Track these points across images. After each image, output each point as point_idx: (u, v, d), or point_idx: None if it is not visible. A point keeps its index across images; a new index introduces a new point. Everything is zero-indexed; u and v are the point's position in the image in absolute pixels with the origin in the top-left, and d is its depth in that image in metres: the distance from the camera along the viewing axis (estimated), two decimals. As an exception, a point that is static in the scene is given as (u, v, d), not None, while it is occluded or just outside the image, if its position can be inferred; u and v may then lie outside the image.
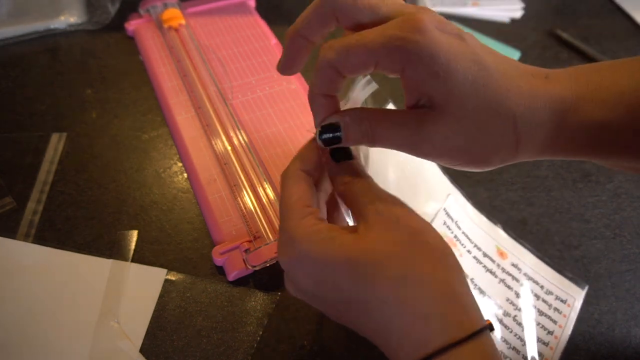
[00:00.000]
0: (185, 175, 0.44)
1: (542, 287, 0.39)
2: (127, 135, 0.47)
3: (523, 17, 0.64)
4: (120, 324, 0.35)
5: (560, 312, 0.38)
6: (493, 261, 0.40)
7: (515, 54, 0.57)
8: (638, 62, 0.24)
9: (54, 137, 0.46)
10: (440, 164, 0.31)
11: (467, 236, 0.41)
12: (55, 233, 0.40)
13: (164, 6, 0.56)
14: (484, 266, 0.39)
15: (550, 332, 0.37)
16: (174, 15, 0.54)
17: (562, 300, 0.39)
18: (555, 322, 0.38)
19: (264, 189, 0.41)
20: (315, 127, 0.26)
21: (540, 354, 0.36)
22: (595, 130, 0.23)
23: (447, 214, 0.41)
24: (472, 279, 0.38)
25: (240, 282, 0.38)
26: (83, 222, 0.41)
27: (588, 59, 0.58)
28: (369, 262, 0.22)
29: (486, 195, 0.45)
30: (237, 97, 0.49)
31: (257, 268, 0.37)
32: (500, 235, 0.42)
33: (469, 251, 0.40)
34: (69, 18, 0.56)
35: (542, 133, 0.24)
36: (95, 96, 0.50)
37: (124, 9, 0.59)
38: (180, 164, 0.45)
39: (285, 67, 0.27)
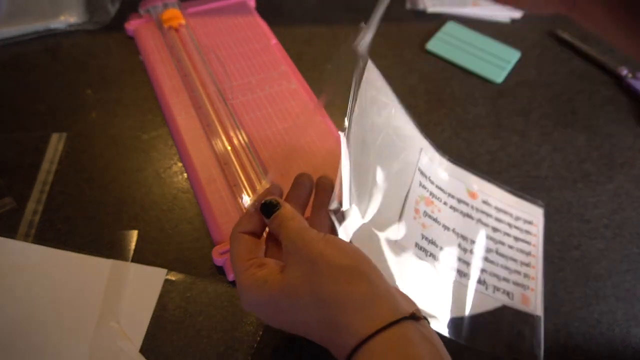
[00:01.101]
0: (185, 175, 0.44)
1: (511, 215, 0.43)
2: (127, 135, 0.47)
3: (523, 17, 0.64)
4: (120, 324, 0.35)
5: (530, 233, 0.42)
6: (467, 204, 0.42)
7: (515, 54, 0.58)
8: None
9: (54, 137, 0.46)
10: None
11: (440, 189, 0.42)
12: (55, 233, 0.40)
13: (164, 6, 0.56)
14: (461, 212, 0.42)
15: (528, 254, 0.41)
16: (174, 15, 0.54)
17: (528, 222, 0.43)
18: (529, 243, 0.42)
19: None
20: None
21: (526, 275, 0.39)
22: None
23: (422, 173, 0.41)
24: (453, 229, 0.40)
25: None
26: (83, 222, 0.41)
27: (588, 58, 0.58)
28: (287, 297, 0.27)
29: (486, 195, 0.45)
30: (237, 97, 0.49)
31: None
32: (468, 177, 0.44)
33: (445, 203, 0.41)
34: (69, 18, 0.56)
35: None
36: (95, 96, 0.50)
37: (124, 9, 0.59)
38: (180, 164, 0.45)
39: None
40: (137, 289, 0.37)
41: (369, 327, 0.25)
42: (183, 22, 0.55)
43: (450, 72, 0.56)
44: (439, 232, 0.39)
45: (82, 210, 0.41)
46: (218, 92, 0.49)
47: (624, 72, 0.56)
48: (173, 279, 0.38)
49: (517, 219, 0.42)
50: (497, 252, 0.40)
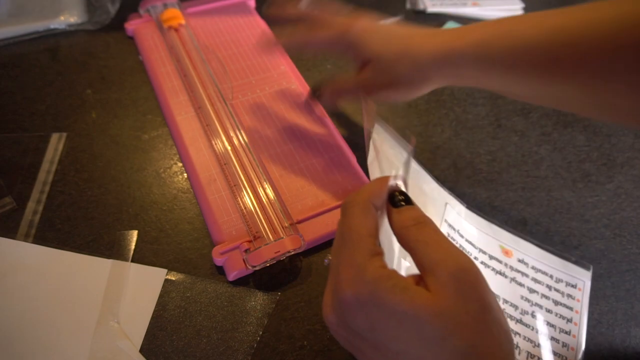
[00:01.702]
0: (185, 175, 0.44)
1: (551, 276, 0.39)
2: (127, 135, 0.47)
3: (523, 17, 0.64)
4: (120, 324, 0.35)
5: (573, 298, 0.38)
6: (500, 262, 0.40)
7: (515, 54, 0.58)
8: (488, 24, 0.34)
9: (54, 137, 0.46)
10: (384, 95, 0.39)
11: (471, 243, 0.40)
12: (55, 233, 0.40)
13: (164, 6, 0.56)
14: (493, 269, 0.39)
15: (569, 320, 0.37)
16: (173, 15, 0.54)
17: (572, 286, 0.39)
18: (571, 308, 0.38)
19: (264, 189, 0.41)
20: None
21: (564, 344, 0.36)
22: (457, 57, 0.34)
23: (450, 226, 0.40)
24: None
25: (240, 282, 0.38)
26: (83, 222, 0.41)
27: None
28: (440, 326, 0.21)
29: (486, 195, 0.45)
30: (237, 97, 0.49)
31: (257, 268, 0.37)
32: (501, 233, 0.42)
33: (475, 258, 0.39)
34: (69, 18, 0.56)
35: (434, 69, 0.36)
36: (95, 96, 0.50)
37: (124, 9, 0.59)
38: (180, 164, 0.45)
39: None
40: (137, 289, 0.37)
41: None
42: (183, 22, 0.55)
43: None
44: None
45: (82, 210, 0.41)
46: (218, 92, 0.49)
47: (624, 72, 0.56)
48: (173, 279, 0.38)
49: (559, 281, 0.39)
50: (532, 316, 0.37)
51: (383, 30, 0.38)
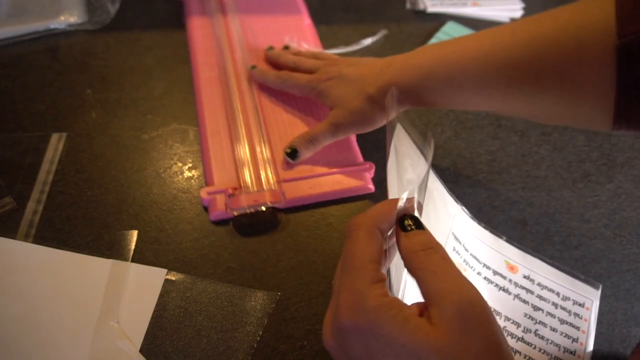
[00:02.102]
0: (186, 175, 0.44)
1: (557, 294, 0.38)
2: (127, 135, 0.47)
3: (523, 17, 0.64)
4: (120, 324, 0.35)
5: (580, 317, 0.37)
6: (504, 277, 0.39)
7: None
8: (433, 48, 0.39)
9: (54, 137, 0.46)
10: (349, 131, 0.44)
11: (475, 257, 0.40)
12: (55, 233, 0.40)
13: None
14: (496, 285, 0.38)
15: (575, 340, 0.36)
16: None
17: (580, 305, 0.38)
18: (577, 328, 0.37)
19: (261, 147, 0.45)
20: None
21: None
22: (407, 88, 0.39)
23: (456, 238, 0.40)
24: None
25: (220, 223, 0.41)
26: (83, 222, 0.41)
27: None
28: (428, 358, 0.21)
29: (486, 195, 0.45)
30: (259, 62, 0.53)
31: (235, 213, 0.40)
32: (507, 248, 0.41)
33: (479, 273, 0.39)
34: (69, 18, 0.56)
35: (380, 97, 0.40)
36: (95, 96, 0.50)
37: (124, 9, 0.59)
38: (180, 164, 0.45)
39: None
40: (137, 289, 0.37)
41: None
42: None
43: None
44: None
45: (82, 210, 0.41)
46: (243, 57, 0.53)
47: (624, 72, 0.56)
48: (173, 279, 0.38)
49: (566, 299, 0.38)
50: (535, 334, 0.36)
51: (345, 79, 0.43)
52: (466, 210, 0.42)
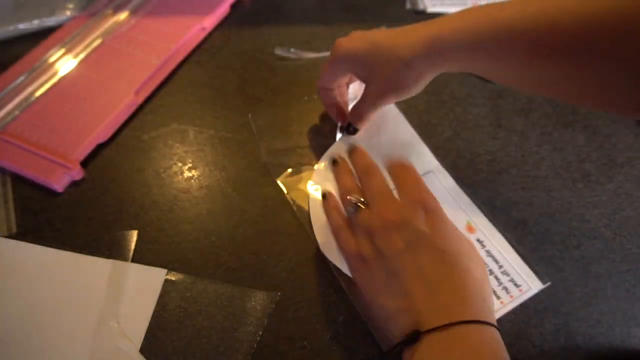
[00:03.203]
0: (186, 175, 0.44)
1: (500, 266, 0.40)
2: (127, 135, 0.47)
3: (523, 17, 0.64)
4: (120, 324, 0.35)
5: (508, 292, 0.39)
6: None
7: (515, 54, 0.57)
8: (469, 12, 0.37)
9: (54, 137, 0.46)
10: (387, 99, 0.42)
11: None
12: (55, 233, 0.40)
13: None
14: None
15: None
16: None
17: (515, 284, 0.39)
18: (498, 297, 0.39)
19: None
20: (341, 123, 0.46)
21: None
22: (441, 46, 0.37)
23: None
24: None
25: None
26: (83, 222, 0.41)
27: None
28: (466, 258, 0.32)
29: (486, 195, 0.45)
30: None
31: None
32: (476, 213, 0.43)
33: None
34: (71, 13, 0.56)
35: (419, 61, 0.38)
36: (95, 96, 0.50)
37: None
38: (180, 164, 0.45)
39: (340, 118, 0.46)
40: (137, 289, 0.37)
41: (444, 319, 0.28)
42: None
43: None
44: None
45: (82, 210, 0.41)
46: None
47: (624, 72, 0.56)
48: (173, 279, 0.38)
49: (505, 274, 0.40)
50: None
51: (368, 40, 0.40)
52: (448, 170, 0.45)
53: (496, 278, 0.39)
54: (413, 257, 0.32)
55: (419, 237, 0.32)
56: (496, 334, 0.29)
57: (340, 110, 0.46)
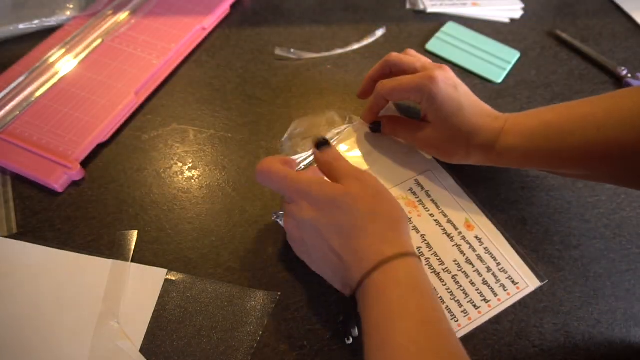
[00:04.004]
0: (186, 175, 0.44)
1: (498, 263, 0.40)
2: (127, 135, 0.47)
3: (523, 17, 0.64)
4: (120, 324, 0.35)
5: (505, 289, 0.39)
6: (456, 229, 0.42)
7: (514, 54, 0.58)
8: (546, 110, 0.39)
9: (54, 137, 0.46)
10: (424, 152, 0.46)
11: (435, 204, 0.43)
12: (55, 233, 0.40)
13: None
14: (443, 229, 0.42)
15: (485, 300, 0.38)
16: None
17: (513, 282, 0.39)
18: (495, 294, 0.39)
19: None
20: (365, 121, 0.47)
21: (465, 312, 0.38)
22: (510, 151, 0.39)
23: (418, 183, 0.45)
24: (423, 234, 0.41)
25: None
26: (83, 222, 0.41)
27: (587, 59, 0.58)
28: (351, 198, 0.32)
29: (486, 194, 0.45)
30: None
31: None
32: (474, 211, 0.43)
33: (431, 214, 0.43)
34: (74, 12, 0.56)
35: (482, 149, 0.40)
36: (95, 96, 0.50)
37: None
38: (180, 164, 0.45)
39: (362, 95, 0.48)
40: (137, 289, 0.37)
41: (389, 252, 0.31)
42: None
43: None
44: None
45: (82, 210, 0.41)
46: None
47: (624, 72, 0.56)
48: (173, 279, 0.38)
49: (503, 271, 0.40)
50: (454, 280, 0.39)
51: (455, 98, 0.40)
52: (448, 170, 0.46)
53: (494, 275, 0.40)
54: (323, 215, 0.33)
55: (324, 200, 0.33)
56: (417, 261, 0.32)
57: (375, 109, 0.45)
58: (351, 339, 0.35)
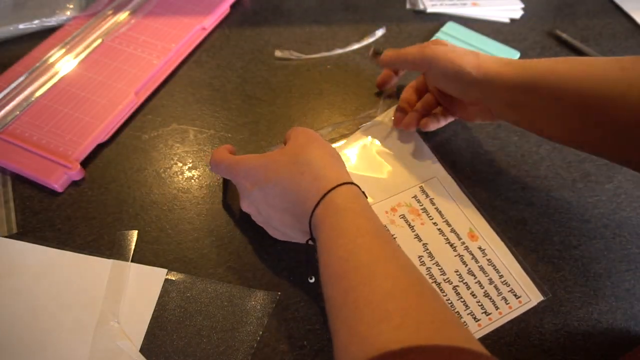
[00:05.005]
0: (186, 175, 0.44)
1: (501, 276, 0.40)
2: (127, 135, 0.47)
3: (523, 17, 0.64)
4: (120, 324, 0.35)
5: (507, 303, 0.38)
6: (459, 238, 0.42)
7: (514, 54, 0.58)
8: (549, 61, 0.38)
9: (54, 137, 0.46)
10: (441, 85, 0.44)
11: (439, 212, 0.43)
12: (55, 233, 0.40)
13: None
14: (446, 238, 0.42)
15: (486, 313, 0.38)
16: None
17: (515, 295, 0.39)
18: (497, 307, 0.38)
19: None
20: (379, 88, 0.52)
21: (464, 324, 0.37)
22: (491, 72, 0.39)
23: (423, 191, 0.44)
24: (425, 243, 0.41)
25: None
26: (83, 222, 0.41)
27: (588, 59, 0.58)
28: (274, 160, 0.35)
29: (486, 195, 0.45)
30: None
31: None
32: (480, 222, 0.43)
33: (435, 223, 0.42)
34: (71, 13, 0.56)
35: (471, 79, 0.40)
36: (95, 96, 0.50)
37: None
38: (180, 164, 0.45)
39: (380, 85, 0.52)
40: (137, 289, 0.37)
41: (334, 182, 0.33)
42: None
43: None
44: (405, 235, 0.41)
45: (82, 210, 0.41)
46: None
47: (624, 72, 0.56)
48: (173, 279, 0.38)
49: (505, 283, 0.39)
50: (455, 290, 0.39)
51: (447, 50, 0.42)
52: (455, 178, 0.45)
53: (496, 288, 0.39)
54: (260, 186, 0.35)
55: (254, 172, 0.36)
56: (352, 187, 0.34)
57: (388, 79, 0.51)
58: (313, 278, 0.37)
